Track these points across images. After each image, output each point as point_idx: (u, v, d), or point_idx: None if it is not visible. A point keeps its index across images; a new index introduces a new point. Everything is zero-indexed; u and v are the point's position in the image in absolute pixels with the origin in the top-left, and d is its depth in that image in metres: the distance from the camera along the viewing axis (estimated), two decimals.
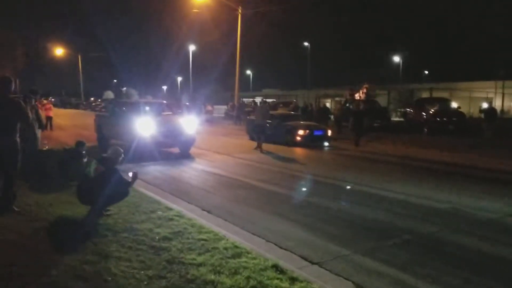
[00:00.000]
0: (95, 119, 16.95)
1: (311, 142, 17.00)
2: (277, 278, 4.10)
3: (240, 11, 29.48)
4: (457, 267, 4.83)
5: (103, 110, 51.46)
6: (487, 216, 6.92)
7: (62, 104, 67.44)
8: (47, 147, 9.64)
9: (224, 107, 41.26)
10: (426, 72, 74.33)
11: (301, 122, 18.74)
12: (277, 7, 31.13)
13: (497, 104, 43.79)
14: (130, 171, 6.37)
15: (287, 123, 17.85)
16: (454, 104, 28.05)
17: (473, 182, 10.02)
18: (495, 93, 45.06)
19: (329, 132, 17.96)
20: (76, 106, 66.99)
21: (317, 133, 17.38)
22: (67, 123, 28.60)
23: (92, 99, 67.61)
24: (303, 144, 16.89)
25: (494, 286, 4.38)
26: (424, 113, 24.99)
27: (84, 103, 67.62)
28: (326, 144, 17.27)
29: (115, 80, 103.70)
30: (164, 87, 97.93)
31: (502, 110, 43.40)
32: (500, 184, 9.89)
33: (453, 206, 7.55)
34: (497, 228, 6.39)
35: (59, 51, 59.78)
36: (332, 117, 26.20)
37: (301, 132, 17.05)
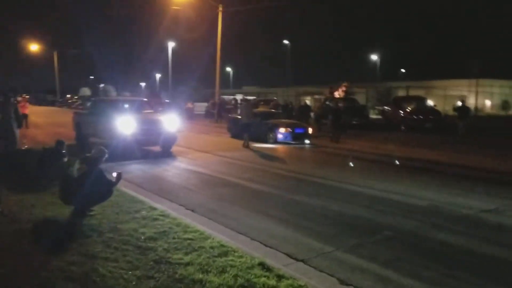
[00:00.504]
0: (73, 117, 16.74)
1: (292, 140, 17.18)
2: (264, 276, 4.18)
3: (221, 9, 29.40)
4: (436, 262, 4.99)
5: (80, 107, 50.85)
6: (464, 212, 7.14)
7: (38, 101, 66.11)
8: (26, 146, 9.50)
9: (205, 104, 41.15)
10: (403, 70, 75.54)
11: (283, 120, 18.92)
12: (258, 6, 31.03)
13: (471, 102, 44.78)
14: (113, 171, 6.35)
15: (269, 121, 18.01)
16: (430, 102, 28.61)
17: (449, 179, 10.30)
18: (469, 91, 46.06)
19: (310, 130, 18.17)
20: (52, 103, 65.77)
21: (298, 131, 17.58)
22: (43, 121, 28.11)
23: (68, 96, 66.55)
24: (284, 142, 17.04)
25: (471, 279, 4.54)
26: (401, 111, 25.41)
27: (60, 100, 66.49)
28: (307, 141, 17.46)
29: (91, 77, 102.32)
30: (143, 84, 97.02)
31: (476, 108, 44.43)
32: (474, 180, 10.19)
33: (431, 202, 7.77)
34: (473, 223, 6.60)
35: (34, 47, 58.58)
36: (312, 114, 26.42)
37: (282, 130, 17.24)
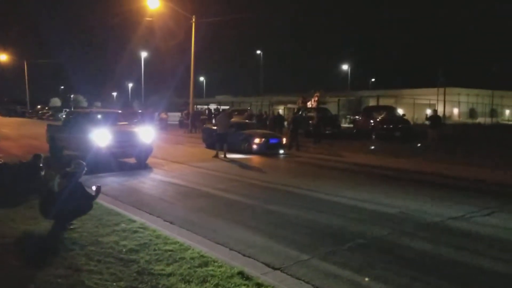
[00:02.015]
0: (47, 129, 16.59)
1: (267, 150, 17.40)
2: (244, 285, 4.39)
3: (194, 20, 29.58)
4: (405, 267, 5.29)
5: (50, 118, 50.17)
6: (431, 220, 7.50)
7: (8, 112, 64.66)
8: (2, 160, 9.46)
9: (178, 114, 41.12)
10: (373, 79, 77.31)
11: (257, 130, 19.16)
12: (231, 17, 31.39)
13: (440, 110, 46.06)
14: (90, 184, 6.46)
15: (244, 132, 18.20)
16: (399, 111, 29.40)
17: (418, 187, 10.72)
18: (437, 100, 47.39)
19: (284, 140, 18.50)
20: (21, 114, 64.44)
21: (272, 141, 17.84)
22: (14, 133, 27.59)
23: (39, 106, 65.54)
24: (259, 152, 17.26)
25: (440, 284, 4.84)
26: (371, 121, 26.03)
27: (30, 111, 65.33)
28: (281, 151, 17.75)
29: (62, 87, 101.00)
30: (114, 94, 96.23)
31: (444, 116, 45.73)
32: (442, 188, 10.62)
33: (400, 210, 8.11)
34: (439, 230, 6.95)
35: (3, 57, 57.51)
36: (286, 124, 26.79)
37: (257, 140, 17.44)
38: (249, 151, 17.33)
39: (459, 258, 5.65)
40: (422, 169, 13.54)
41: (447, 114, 49.34)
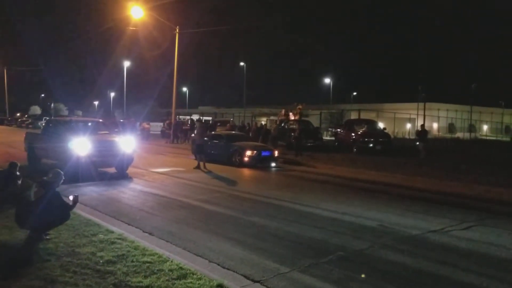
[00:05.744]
0: (25, 137, 16.30)
1: (259, 163, 16.97)
2: None
3: (177, 30, 29.57)
4: (386, 280, 5.29)
5: (30, 126, 49.45)
6: (411, 233, 7.55)
7: None
8: None
9: (160, 124, 40.87)
10: (355, 93, 78.28)
11: (249, 142, 18.59)
12: (214, 29, 31.55)
13: (419, 124, 46.79)
14: (68, 193, 6.34)
15: (235, 143, 17.69)
16: (380, 125, 29.68)
17: (398, 201, 10.79)
18: (417, 114, 48.09)
19: (276, 153, 18.08)
20: (0, 122, 63.38)
21: (265, 154, 17.35)
22: None
23: (18, 114, 64.68)
24: (251, 165, 16.80)
25: None
26: (353, 134, 26.18)
27: (9, 118, 64.34)
28: (273, 165, 17.32)
29: (42, 95, 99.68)
30: (96, 103, 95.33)
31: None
32: (421, 201, 10.71)
33: (381, 223, 8.15)
34: (419, 243, 6.99)
35: None
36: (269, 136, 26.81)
37: (249, 153, 16.90)
38: (240, 164, 16.85)
39: (439, 272, 5.68)
40: (402, 183, 13.65)
41: (426, 128, 50.04)
